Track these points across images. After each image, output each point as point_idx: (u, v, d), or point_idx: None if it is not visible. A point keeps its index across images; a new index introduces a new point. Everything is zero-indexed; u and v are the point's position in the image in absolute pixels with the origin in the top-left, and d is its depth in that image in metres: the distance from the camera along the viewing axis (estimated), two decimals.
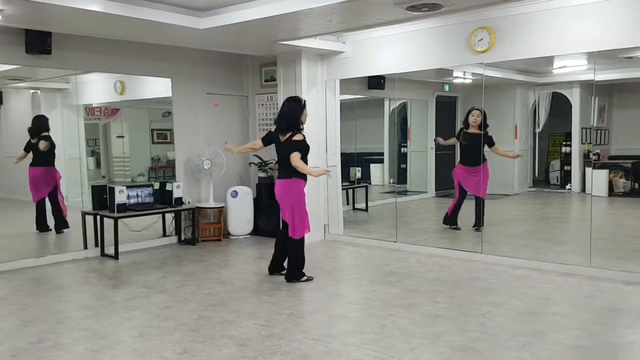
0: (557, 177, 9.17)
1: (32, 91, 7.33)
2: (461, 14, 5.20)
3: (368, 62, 6.37)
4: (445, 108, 8.75)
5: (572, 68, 6.53)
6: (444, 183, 8.77)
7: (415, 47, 5.95)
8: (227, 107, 7.36)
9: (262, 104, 7.39)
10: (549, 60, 5.94)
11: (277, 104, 7.01)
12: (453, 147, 8.11)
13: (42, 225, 6.48)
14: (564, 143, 8.98)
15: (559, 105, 8.31)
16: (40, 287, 4.92)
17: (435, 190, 8.98)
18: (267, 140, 5.15)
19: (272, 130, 5.12)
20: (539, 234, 6.98)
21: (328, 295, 4.61)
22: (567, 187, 8.56)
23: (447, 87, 8.78)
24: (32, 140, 6.41)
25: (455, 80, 8.25)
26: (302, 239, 5.02)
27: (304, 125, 5.01)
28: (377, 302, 4.37)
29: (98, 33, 5.61)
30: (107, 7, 4.57)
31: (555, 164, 9.27)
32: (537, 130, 8.59)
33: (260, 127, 7.44)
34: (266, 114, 7.35)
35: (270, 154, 7.18)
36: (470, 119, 6.66)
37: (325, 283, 4.96)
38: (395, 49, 6.09)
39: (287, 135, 4.90)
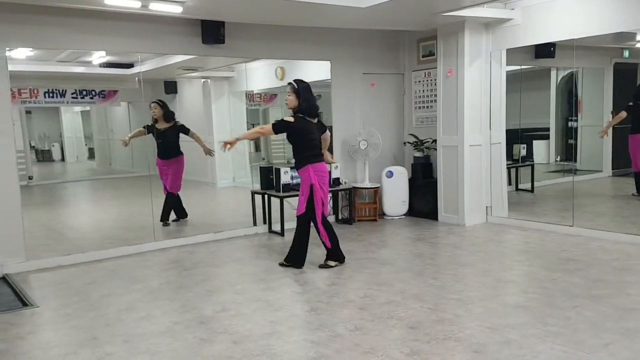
0: None
1: (202, 80, 7.98)
2: None
3: (540, 28, 5.80)
4: (624, 76, 7.74)
5: None
6: (623, 160, 7.80)
7: (595, 9, 5.28)
8: (382, 86, 7.28)
9: (419, 81, 7.17)
10: None
11: (434, 79, 6.76)
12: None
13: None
14: None
15: None
16: (220, 260, 5.34)
17: (613, 169, 8.01)
18: (279, 129, 4.74)
19: (284, 118, 4.77)
20: None
21: (499, 281, 4.34)
22: None
23: (627, 53, 7.73)
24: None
25: (639, 45, 7.22)
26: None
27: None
28: (557, 291, 3.99)
29: (266, 20, 5.87)
30: None
31: None
32: None
33: (416, 105, 7.24)
34: (423, 91, 7.12)
35: (428, 131, 7.00)
36: None
37: (494, 269, 4.69)
38: (572, 12, 5.47)
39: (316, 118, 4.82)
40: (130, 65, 6.72)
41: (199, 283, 4.52)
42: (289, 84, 4.74)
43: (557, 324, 3.38)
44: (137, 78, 6.17)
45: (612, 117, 7.60)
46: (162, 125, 6.61)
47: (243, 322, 3.60)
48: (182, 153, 6.74)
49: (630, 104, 6.84)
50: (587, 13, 5.37)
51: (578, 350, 2.99)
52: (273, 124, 4.72)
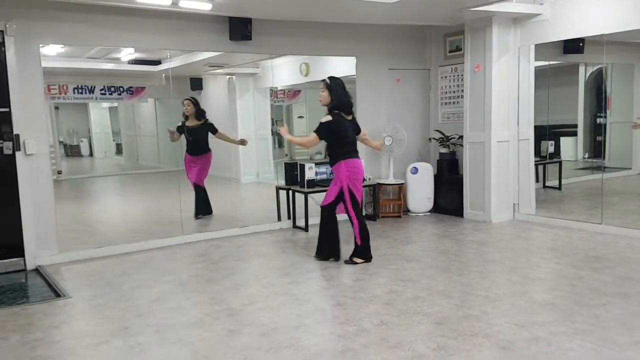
0: None
1: (228, 77, 8.05)
2: None
3: (569, 23, 5.72)
4: None
5: None
6: None
7: (629, 2, 5.16)
8: (408, 81, 7.25)
9: (445, 77, 7.12)
10: None
11: (461, 75, 6.71)
12: None
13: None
14: None
15: None
16: (246, 254, 5.41)
17: None
18: (323, 133, 4.73)
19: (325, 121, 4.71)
20: None
21: (526, 279, 4.31)
22: None
23: None
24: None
25: None
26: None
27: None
28: (586, 289, 3.95)
29: (293, 15, 5.90)
30: None
31: None
32: None
33: (442, 101, 7.20)
34: (449, 86, 7.07)
35: (454, 128, 6.95)
36: None
37: (521, 266, 4.65)
38: (603, 6, 5.37)
39: (351, 115, 4.88)
40: (157, 62, 6.82)
41: (226, 276, 4.58)
42: (322, 80, 4.77)
43: (586, 322, 3.34)
44: (164, 75, 6.26)
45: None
46: (193, 123, 6.76)
47: (270, 315, 3.65)
48: (210, 149, 6.88)
49: None
50: (618, 7, 5.27)
51: (607, 348, 2.96)
52: (316, 132, 4.72)
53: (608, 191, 7.01)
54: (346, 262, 4.86)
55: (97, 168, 10.40)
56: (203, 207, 6.84)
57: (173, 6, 4.95)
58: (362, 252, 4.87)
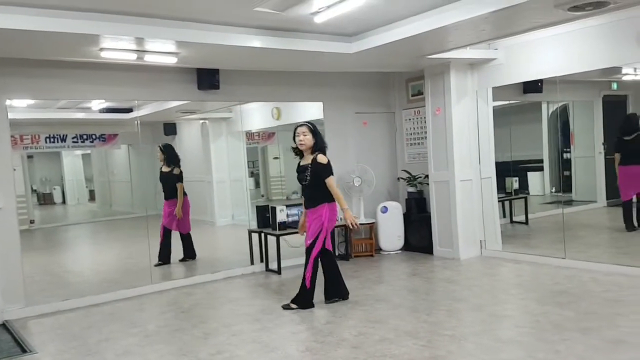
0: None
1: (201, 121, 8.18)
2: (630, 8, 4.67)
3: (524, 67, 6.02)
4: (614, 108, 7.90)
5: None
6: (616, 190, 7.90)
7: (577, 47, 5.48)
8: (374, 124, 7.46)
9: (409, 119, 7.36)
10: None
11: (424, 117, 6.94)
12: None
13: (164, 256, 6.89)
14: None
15: None
16: (216, 301, 5.40)
17: (607, 199, 8.10)
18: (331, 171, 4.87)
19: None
20: None
21: (492, 316, 4.39)
22: None
23: (615, 86, 7.92)
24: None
25: (625, 78, 7.41)
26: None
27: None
28: (549, 325, 4.04)
29: (258, 66, 6.10)
30: (266, 43, 4.95)
31: None
32: None
33: (407, 142, 7.42)
34: (414, 128, 7.31)
35: (420, 167, 7.13)
36: None
37: (487, 303, 4.74)
38: (555, 50, 5.68)
39: None
40: (129, 110, 6.91)
41: (195, 325, 4.57)
42: (304, 124, 4.83)
43: (547, 358, 3.43)
44: (136, 122, 6.35)
45: (603, 149, 7.77)
46: (165, 169, 6.94)
47: None
48: (185, 194, 6.96)
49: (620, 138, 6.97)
50: (567, 52, 5.58)
51: None
52: (330, 174, 4.79)
53: (574, 225, 7.22)
54: (284, 306, 4.91)
55: (70, 216, 10.30)
56: (188, 252, 6.96)
57: (139, 60, 5.08)
58: (303, 298, 4.86)
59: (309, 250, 4.87)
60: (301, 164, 4.93)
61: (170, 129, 8.11)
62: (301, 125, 4.84)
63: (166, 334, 4.42)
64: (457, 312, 4.54)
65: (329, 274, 4.98)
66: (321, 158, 4.77)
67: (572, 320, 4.09)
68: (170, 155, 6.92)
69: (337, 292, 5.01)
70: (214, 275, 6.25)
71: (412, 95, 7.25)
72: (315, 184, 4.79)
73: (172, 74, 5.87)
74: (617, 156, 6.91)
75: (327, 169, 4.77)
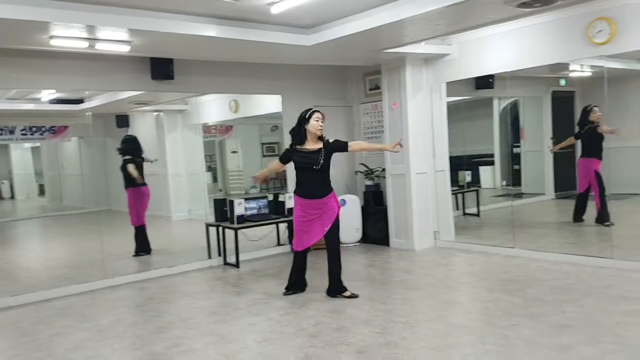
0: None
1: (155, 113, 8.02)
2: (577, 5, 4.88)
3: (476, 62, 6.18)
4: (562, 103, 8.23)
5: None
6: (563, 184, 8.24)
7: (527, 43, 5.68)
8: (333, 117, 7.48)
9: (367, 113, 7.45)
10: None
11: (381, 111, 7.03)
12: (573, 145, 7.65)
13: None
14: None
15: None
16: (172, 295, 5.33)
17: (555, 192, 8.44)
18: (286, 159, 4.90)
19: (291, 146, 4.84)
20: None
21: (444, 303, 4.52)
22: None
23: (563, 82, 8.26)
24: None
25: (572, 74, 7.73)
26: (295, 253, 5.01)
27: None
28: (498, 311, 4.20)
29: (215, 57, 6.02)
30: (222, 32, 4.91)
31: None
32: None
33: (365, 136, 7.50)
34: (371, 122, 7.40)
35: (377, 161, 7.23)
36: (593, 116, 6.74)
37: (440, 291, 4.87)
38: (506, 46, 5.86)
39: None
40: (80, 101, 6.72)
41: (150, 319, 4.50)
42: (318, 111, 4.81)
43: (496, 343, 3.56)
44: (87, 113, 6.18)
45: (552, 145, 8.08)
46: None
47: (194, 357, 3.63)
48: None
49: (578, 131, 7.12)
50: (517, 48, 5.77)
51: None
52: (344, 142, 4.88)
53: (523, 216, 7.49)
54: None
55: (19, 211, 9.95)
56: (143, 246, 6.88)
57: (90, 49, 4.95)
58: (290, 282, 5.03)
59: (335, 235, 4.87)
60: (305, 149, 4.74)
61: (123, 121, 7.92)
62: (317, 110, 4.79)
63: (119, 328, 4.34)
64: (411, 300, 4.65)
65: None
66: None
67: (520, 307, 4.25)
68: (128, 146, 6.86)
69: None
70: (170, 270, 6.16)
71: (370, 90, 7.34)
72: (326, 167, 4.73)
73: (125, 64, 5.73)
74: (572, 139, 7.17)
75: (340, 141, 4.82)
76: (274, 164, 5.12)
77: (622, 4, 4.86)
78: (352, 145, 4.86)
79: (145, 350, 3.80)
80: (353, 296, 4.78)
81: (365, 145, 5.27)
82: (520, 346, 3.46)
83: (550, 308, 4.16)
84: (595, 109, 6.74)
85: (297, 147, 4.78)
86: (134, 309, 4.87)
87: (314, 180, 4.73)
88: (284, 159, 4.91)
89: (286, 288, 5.05)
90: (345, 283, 5.24)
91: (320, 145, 4.74)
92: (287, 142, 7.11)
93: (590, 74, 6.97)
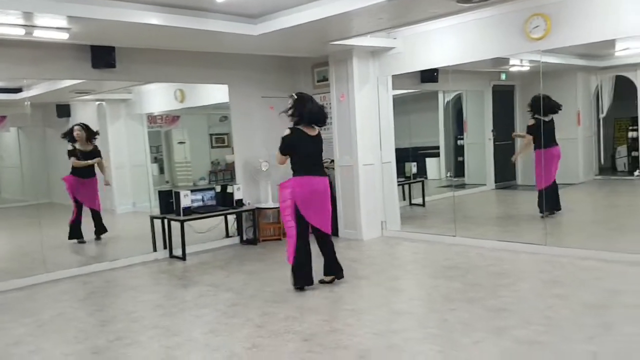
0: (624, 164, 8.73)
1: (97, 103, 7.77)
2: (514, 1, 5.09)
3: (420, 56, 6.33)
4: (503, 97, 8.55)
5: (635, 50, 6.23)
6: (503, 175, 8.59)
7: (468, 38, 5.87)
8: (281, 109, 7.48)
9: None
10: (610, 43, 5.68)
11: (329, 103, 7.09)
12: (512, 138, 7.97)
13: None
14: (630, 128, 8.55)
15: (624, 89, 7.92)
16: (115, 289, 5.23)
17: (495, 183, 8.79)
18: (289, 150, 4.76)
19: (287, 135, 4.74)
20: (606, 224, 6.72)
21: (389, 291, 4.66)
22: (636, 173, 8.15)
23: (503, 76, 8.56)
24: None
25: (512, 69, 8.03)
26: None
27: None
28: (439, 297, 4.37)
29: (158, 45, 5.89)
30: (165, 20, 4.81)
31: (622, 150, 8.82)
32: (602, 116, 8.23)
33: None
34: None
35: (327, 152, 7.27)
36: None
37: (386, 279, 5.00)
38: (448, 41, 6.03)
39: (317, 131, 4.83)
40: (18, 90, 6.43)
41: (92, 313, 4.41)
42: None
43: (436, 327, 3.71)
44: (26, 103, 5.93)
45: (492, 136, 8.39)
46: (85, 147, 6.74)
47: (138, 350, 3.59)
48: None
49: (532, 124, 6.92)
50: (459, 42, 5.95)
51: (452, 349, 3.32)
52: None
53: (466, 206, 7.77)
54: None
55: None
56: (99, 229, 6.85)
57: (27, 36, 4.74)
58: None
59: (329, 219, 4.85)
60: (309, 135, 4.72)
61: (64, 110, 7.62)
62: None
63: (61, 322, 4.22)
64: (358, 288, 4.76)
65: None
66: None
67: (459, 292, 4.44)
68: (92, 132, 6.80)
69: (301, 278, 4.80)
70: (113, 264, 6.02)
71: (318, 81, 7.37)
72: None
73: (65, 51, 5.52)
74: (529, 138, 6.82)
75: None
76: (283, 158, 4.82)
77: (557, 0, 5.09)
78: None
79: (88, 344, 3.73)
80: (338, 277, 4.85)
81: None
82: (459, 329, 3.62)
83: (488, 293, 4.36)
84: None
85: (302, 129, 4.70)
86: (76, 303, 4.75)
87: (318, 163, 4.82)
88: (288, 149, 4.73)
89: (305, 283, 4.73)
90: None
91: (316, 130, 4.79)
92: (238, 133, 7.11)
93: (528, 68, 7.26)
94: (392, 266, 5.57)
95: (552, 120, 6.78)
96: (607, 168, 8.70)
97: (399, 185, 7.40)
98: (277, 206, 7.12)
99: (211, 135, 9.11)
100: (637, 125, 8.12)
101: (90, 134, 6.81)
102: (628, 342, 3.27)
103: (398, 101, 7.23)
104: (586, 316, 3.72)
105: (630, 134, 8.50)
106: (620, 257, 4.97)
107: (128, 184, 7.90)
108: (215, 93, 7.44)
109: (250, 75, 7.14)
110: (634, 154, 8.37)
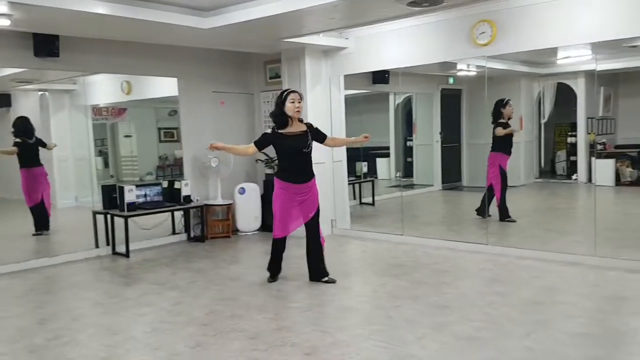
0: (564, 168, 9.18)
1: (40, 93, 7.44)
2: (462, 7, 5.23)
3: (371, 57, 6.41)
4: (451, 101, 8.78)
5: (575, 58, 6.54)
6: (450, 176, 8.83)
7: (418, 41, 5.98)
8: (232, 104, 7.43)
9: (268, 101, 7.44)
10: (552, 51, 5.96)
11: None
12: (459, 141, 8.19)
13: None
14: (569, 133, 8.99)
15: (564, 96, 8.32)
16: (55, 286, 5.04)
17: (442, 183, 9.02)
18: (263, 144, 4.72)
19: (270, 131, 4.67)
20: (545, 225, 7.01)
21: (337, 288, 4.68)
22: (574, 177, 8.58)
23: (451, 80, 8.80)
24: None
25: (460, 73, 8.26)
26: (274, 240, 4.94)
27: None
28: (384, 294, 4.44)
29: (104, 35, 5.70)
30: (112, 10, 4.65)
31: (562, 154, 9.27)
32: (543, 121, 8.60)
33: (266, 124, 7.50)
34: (271, 110, 7.39)
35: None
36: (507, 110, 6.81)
37: (334, 276, 5.01)
38: (398, 43, 6.13)
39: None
40: None
41: (30, 311, 4.23)
42: (295, 92, 4.60)
43: (380, 323, 3.77)
44: None
45: (440, 138, 8.61)
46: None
47: (78, 348, 3.47)
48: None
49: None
50: (409, 45, 6.06)
51: (395, 345, 3.38)
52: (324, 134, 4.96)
53: (413, 206, 7.94)
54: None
55: None
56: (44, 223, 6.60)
57: None
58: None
59: (316, 221, 4.84)
60: (291, 132, 4.59)
61: (4, 100, 7.27)
62: (294, 91, 4.60)
63: None
64: (305, 287, 4.76)
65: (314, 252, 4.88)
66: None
67: (404, 289, 4.52)
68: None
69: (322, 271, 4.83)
70: (52, 260, 5.79)
71: (270, 78, 7.34)
72: (311, 151, 4.69)
73: (5, 39, 5.25)
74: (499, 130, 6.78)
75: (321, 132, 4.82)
76: (243, 147, 4.84)
77: (503, 7, 5.27)
78: (328, 141, 4.98)
79: (25, 342, 3.57)
80: (331, 281, 4.78)
81: (340, 140, 5.64)
82: (402, 326, 3.69)
83: (431, 290, 4.46)
84: (511, 102, 6.79)
85: (281, 131, 4.60)
86: (13, 300, 4.53)
87: (302, 164, 4.67)
88: (262, 144, 4.69)
89: (272, 276, 4.93)
90: (241, 270, 5.27)
91: (304, 127, 4.67)
92: (187, 127, 6.98)
93: (475, 73, 7.49)
94: (341, 264, 5.60)
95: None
96: (547, 171, 9.12)
97: (349, 184, 7.48)
98: (227, 203, 7.06)
99: (159, 129, 8.90)
100: (576, 131, 8.55)
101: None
102: (563, 337, 3.43)
103: (350, 101, 7.30)
104: (524, 313, 3.87)
105: (570, 139, 8.94)
106: (557, 257, 5.20)
107: (71, 178, 7.61)
108: (164, 86, 7.28)
109: (201, 69, 7.03)
110: (572, 158, 8.81)
